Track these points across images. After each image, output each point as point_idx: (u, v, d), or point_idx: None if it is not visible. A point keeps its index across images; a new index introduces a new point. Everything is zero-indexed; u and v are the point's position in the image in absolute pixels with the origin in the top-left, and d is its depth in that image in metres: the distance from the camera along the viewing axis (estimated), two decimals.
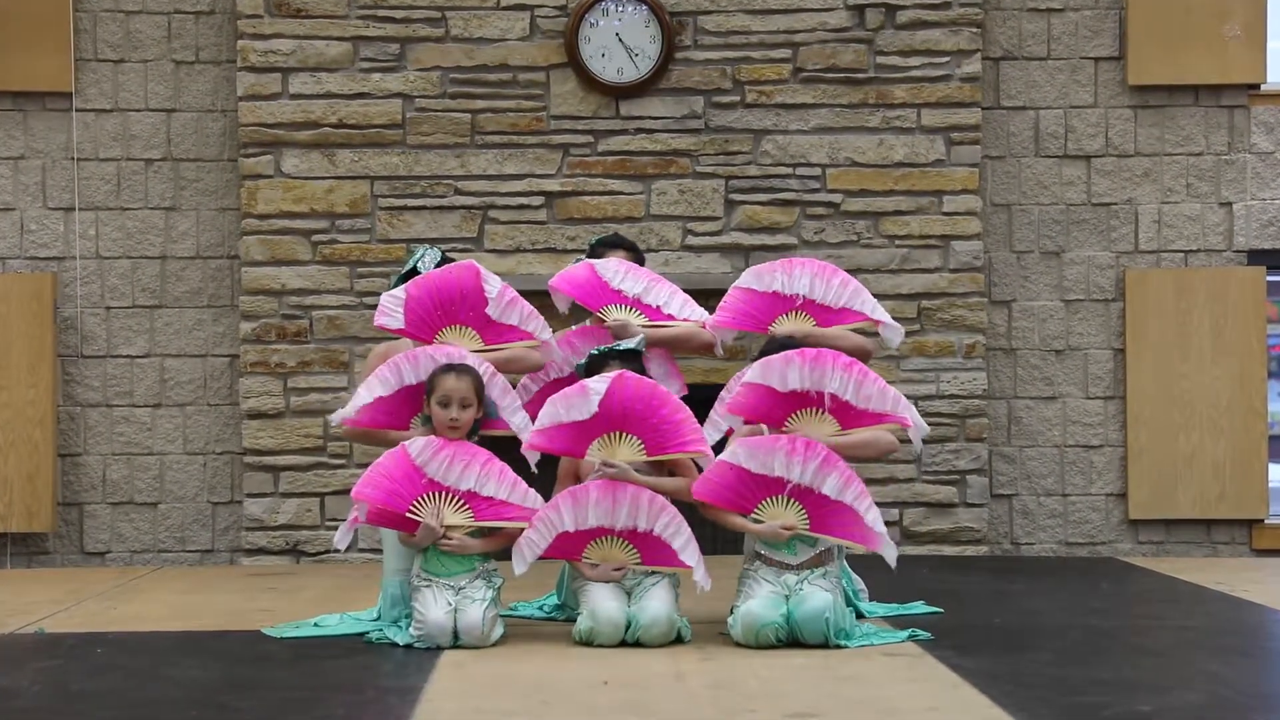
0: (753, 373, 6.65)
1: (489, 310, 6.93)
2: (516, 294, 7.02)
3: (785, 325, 7.13)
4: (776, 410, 6.61)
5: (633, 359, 6.85)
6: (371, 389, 6.75)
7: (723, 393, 7.10)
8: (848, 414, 6.59)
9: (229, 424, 9.62)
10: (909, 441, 6.77)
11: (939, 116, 9.47)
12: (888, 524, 8.81)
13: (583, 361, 6.97)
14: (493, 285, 6.96)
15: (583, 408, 6.57)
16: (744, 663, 6.10)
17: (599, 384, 6.59)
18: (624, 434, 6.58)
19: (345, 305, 9.35)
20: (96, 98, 9.63)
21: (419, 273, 6.98)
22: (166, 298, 9.66)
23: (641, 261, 7.49)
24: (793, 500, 6.49)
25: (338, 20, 9.39)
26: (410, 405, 6.76)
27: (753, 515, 6.54)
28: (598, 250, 7.46)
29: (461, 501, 6.52)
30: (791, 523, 6.50)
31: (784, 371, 6.59)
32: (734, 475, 6.53)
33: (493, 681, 5.83)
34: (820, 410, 6.59)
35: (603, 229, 9.16)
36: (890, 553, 6.55)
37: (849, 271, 9.16)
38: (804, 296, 7.18)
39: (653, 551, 6.57)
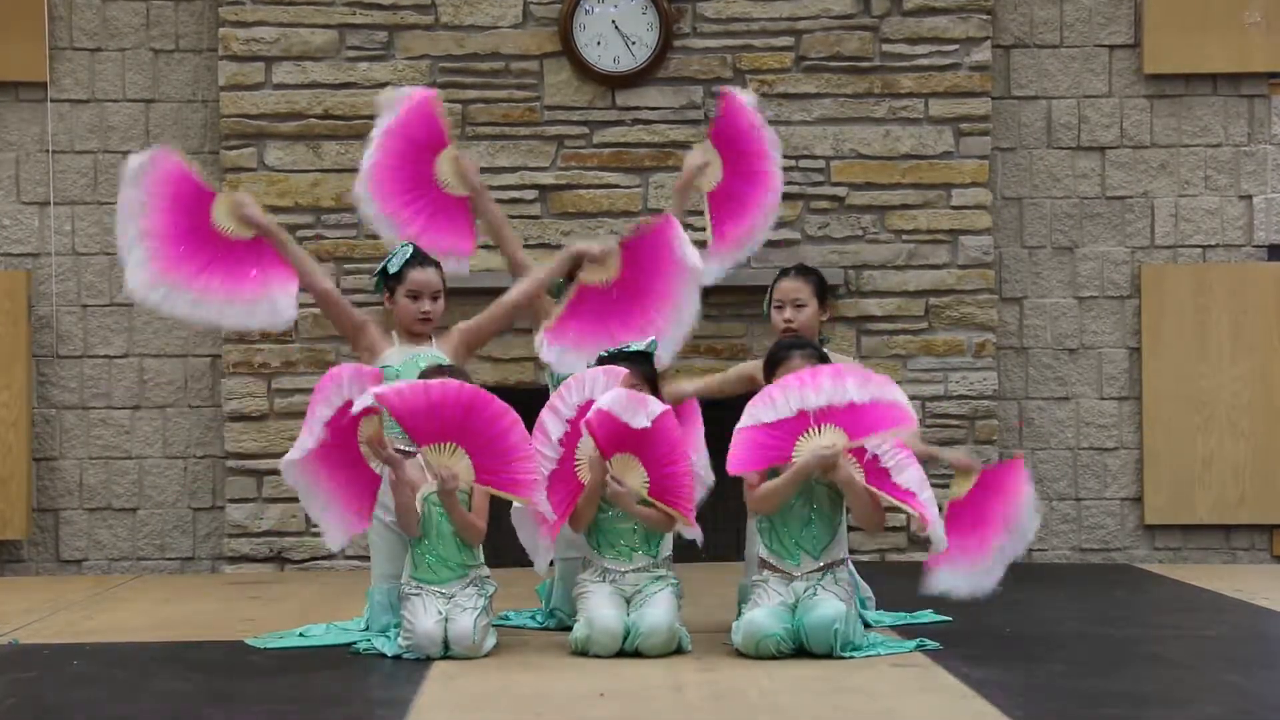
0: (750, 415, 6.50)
1: None
2: None
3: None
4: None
5: (644, 361, 6.78)
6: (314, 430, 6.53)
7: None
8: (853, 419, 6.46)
9: (210, 426, 9.59)
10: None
11: (947, 107, 9.46)
12: (893, 529, 8.75)
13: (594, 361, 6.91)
14: None
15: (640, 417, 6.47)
16: (746, 674, 6.06)
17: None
18: (639, 461, 6.50)
19: None
20: (72, 87, 9.60)
21: (389, 272, 6.98)
22: None
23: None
24: (824, 425, 6.37)
25: (323, 7, 9.42)
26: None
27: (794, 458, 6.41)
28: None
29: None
30: (831, 439, 6.34)
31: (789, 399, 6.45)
32: (760, 434, 6.41)
33: (485, 694, 5.81)
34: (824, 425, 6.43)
35: (598, 223, 9.23)
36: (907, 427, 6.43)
37: (853, 269, 9.09)
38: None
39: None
